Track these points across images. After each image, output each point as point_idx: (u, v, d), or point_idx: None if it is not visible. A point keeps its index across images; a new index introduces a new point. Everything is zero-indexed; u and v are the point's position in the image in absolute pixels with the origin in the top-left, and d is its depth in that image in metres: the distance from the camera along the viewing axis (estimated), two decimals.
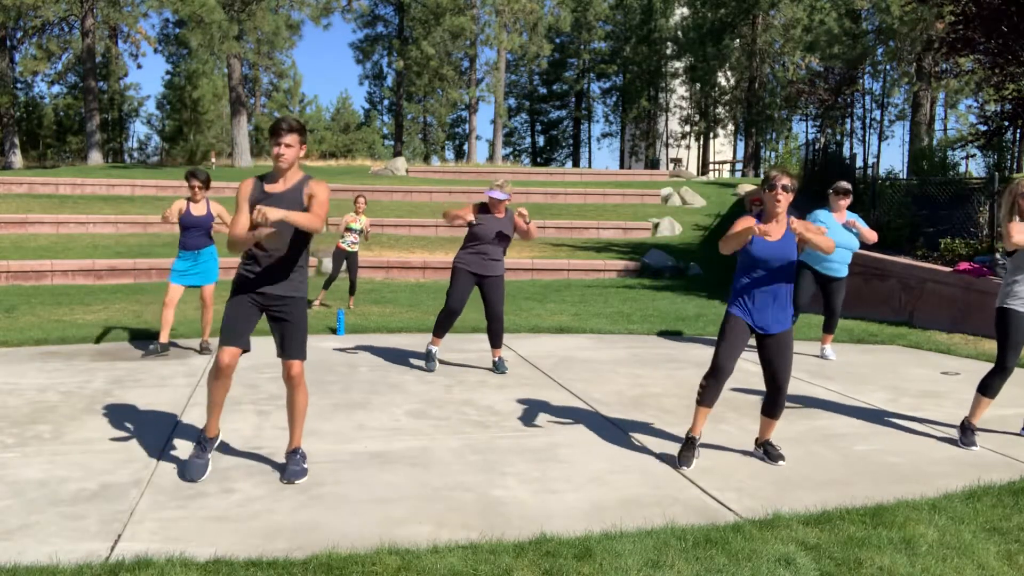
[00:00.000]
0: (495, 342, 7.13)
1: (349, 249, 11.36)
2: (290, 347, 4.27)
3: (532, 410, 5.81)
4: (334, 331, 9.16)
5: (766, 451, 4.70)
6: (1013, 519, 3.79)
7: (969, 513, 3.85)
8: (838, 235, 7.65)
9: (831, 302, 7.91)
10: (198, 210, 7.63)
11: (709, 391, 4.58)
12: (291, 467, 4.30)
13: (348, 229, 11.34)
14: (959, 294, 9.54)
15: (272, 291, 4.24)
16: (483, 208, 6.94)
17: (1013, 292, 5.06)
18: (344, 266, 11.54)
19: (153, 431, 5.11)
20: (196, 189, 7.57)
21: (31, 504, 3.87)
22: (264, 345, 8.22)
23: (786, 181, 4.42)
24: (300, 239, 4.29)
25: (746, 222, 4.50)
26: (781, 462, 4.63)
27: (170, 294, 7.54)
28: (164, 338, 7.61)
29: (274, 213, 3.87)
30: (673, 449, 4.89)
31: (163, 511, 3.81)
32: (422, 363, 7.45)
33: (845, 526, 3.68)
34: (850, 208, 12.81)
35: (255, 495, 4.04)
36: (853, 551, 3.41)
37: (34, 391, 6.13)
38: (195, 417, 5.47)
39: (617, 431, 5.30)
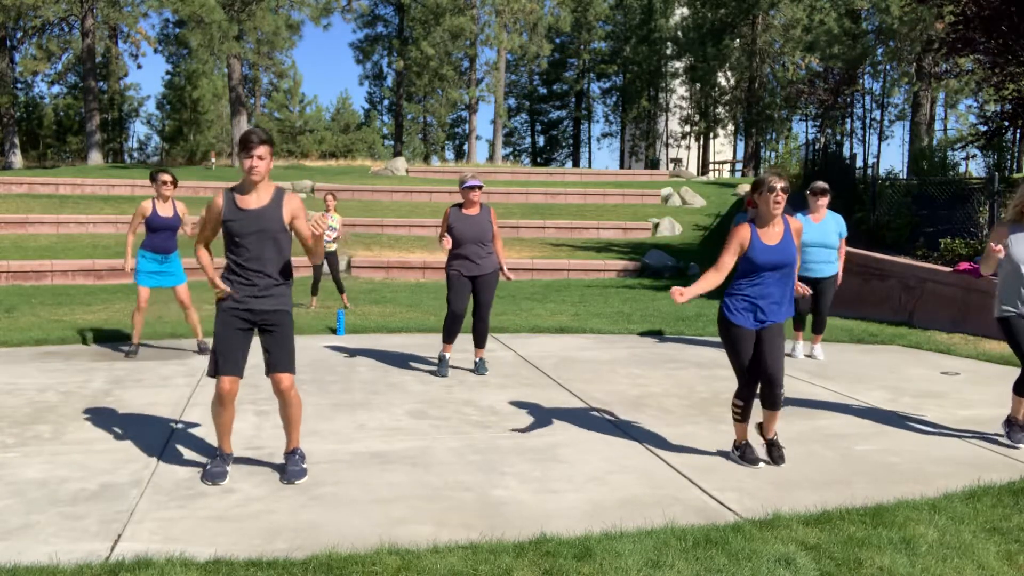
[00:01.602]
0: (478, 342, 7.11)
1: (327, 249, 11.21)
2: (279, 361, 4.24)
3: (532, 410, 5.81)
4: (334, 331, 9.16)
5: (769, 451, 4.70)
6: (1013, 519, 3.79)
7: (969, 513, 3.85)
8: (817, 236, 7.69)
9: (818, 303, 7.89)
10: (165, 211, 7.49)
11: (748, 408, 4.59)
12: (290, 467, 4.30)
13: None
14: (959, 294, 9.54)
15: (260, 306, 4.20)
16: (458, 209, 6.86)
17: (1006, 300, 5.07)
18: (324, 268, 11.40)
19: (153, 431, 5.11)
20: (168, 185, 7.42)
21: (31, 504, 3.87)
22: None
23: (784, 183, 4.42)
24: (284, 254, 4.26)
25: (742, 231, 4.49)
26: (782, 463, 4.62)
27: (143, 297, 7.51)
28: (136, 339, 7.63)
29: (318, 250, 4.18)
30: (673, 449, 4.89)
31: (163, 511, 3.81)
32: (422, 363, 7.45)
33: (845, 526, 3.68)
34: (849, 209, 12.82)
35: (255, 495, 4.04)
36: (853, 551, 3.41)
37: (34, 391, 6.13)
38: (195, 417, 5.47)
39: (617, 431, 5.30)
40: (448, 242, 6.75)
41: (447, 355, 7.05)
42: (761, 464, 4.61)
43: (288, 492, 4.09)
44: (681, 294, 4.28)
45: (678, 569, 3.24)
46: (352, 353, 7.90)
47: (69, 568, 3.16)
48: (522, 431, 5.25)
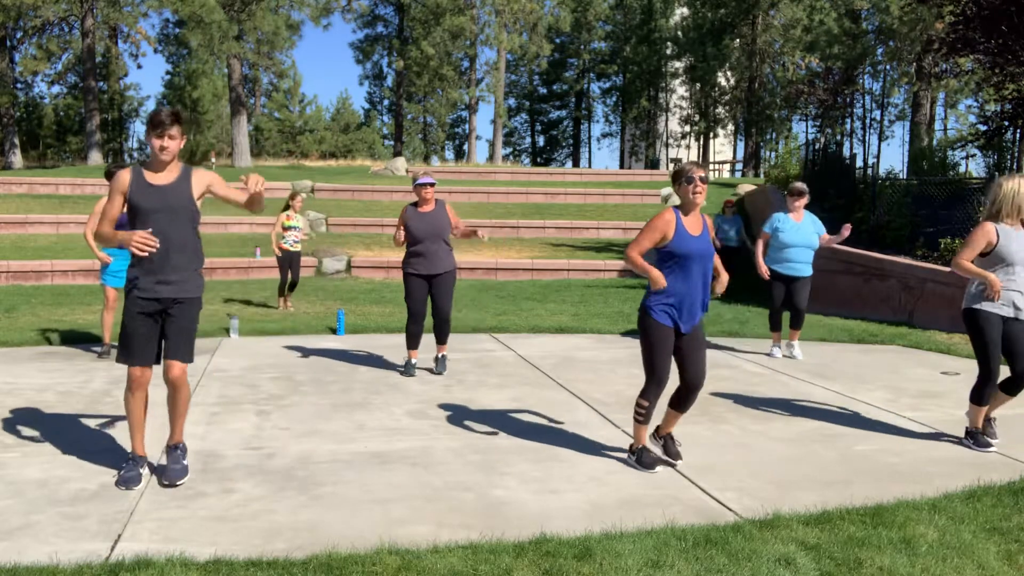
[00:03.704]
0: (440, 339, 7.05)
1: (292, 249, 10.92)
2: (174, 349, 4.10)
3: (532, 410, 5.81)
4: (334, 331, 9.16)
5: (666, 445, 4.61)
6: (1013, 519, 3.79)
7: (969, 513, 3.85)
8: (799, 237, 7.75)
9: (795, 300, 7.96)
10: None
11: (652, 408, 4.49)
12: (172, 465, 4.18)
13: (287, 228, 10.91)
14: (959, 294, 9.54)
15: (166, 293, 4.06)
16: (414, 208, 6.83)
17: (980, 293, 5.02)
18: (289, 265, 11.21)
19: (153, 431, 5.11)
20: None
21: (31, 504, 3.87)
22: (264, 345, 8.23)
23: (703, 173, 4.37)
24: (192, 238, 4.12)
25: (667, 214, 4.40)
26: (679, 461, 4.55)
27: (112, 298, 7.47)
28: (107, 339, 7.59)
29: (260, 182, 4.03)
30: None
31: (163, 511, 3.81)
32: (422, 363, 7.44)
33: (845, 526, 3.68)
34: (849, 209, 12.83)
35: (255, 495, 4.04)
36: (853, 551, 3.41)
37: (34, 391, 6.13)
38: (195, 417, 5.47)
39: (617, 431, 5.30)
40: (402, 236, 6.74)
41: (414, 360, 7.00)
42: (658, 468, 4.49)
43: (288, 492, 4.09)
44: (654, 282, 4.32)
45: (678, 569, 3.24)
46: (352, 353, 7.90)
47: (69, 568, 3.16)
48: (522, 431, 5.25)
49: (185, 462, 4.26)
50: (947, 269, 9.85)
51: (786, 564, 3.29)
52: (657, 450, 4.69)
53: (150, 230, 4.00)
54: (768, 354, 8.10)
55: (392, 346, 8.34)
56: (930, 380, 7.06)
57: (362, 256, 15.68)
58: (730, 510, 3.94)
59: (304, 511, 3.84)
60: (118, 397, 5.98)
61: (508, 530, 3.63)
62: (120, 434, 5.04)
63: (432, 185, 6.77)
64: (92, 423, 5.28)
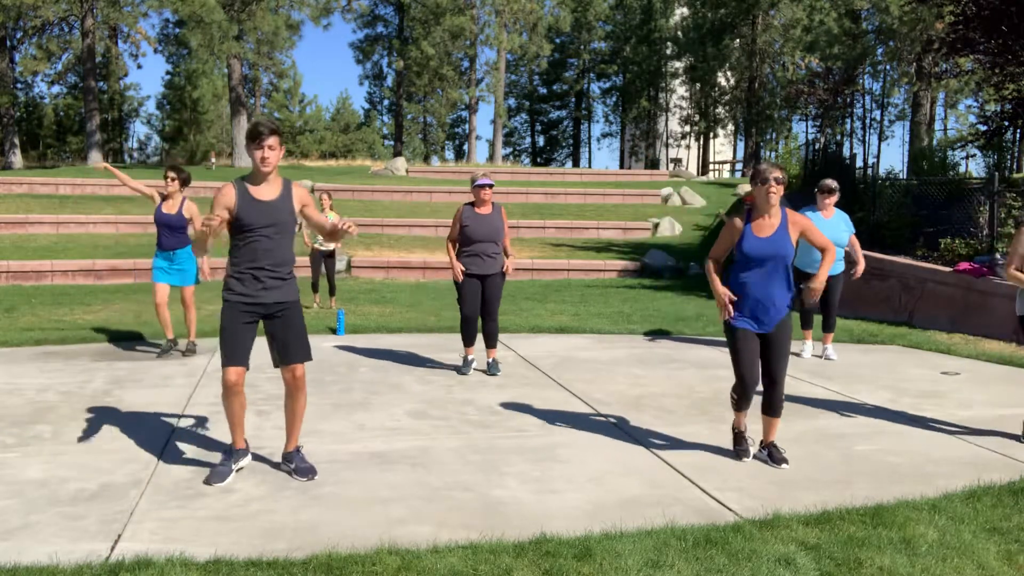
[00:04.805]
0: (490, 343, 7.08)
1: (324, 248, 11.00)
2: (295, 351, 4.26)
3: (532, 410, 5.81)
4: (334, 331, 9.16)
5: (770, 454, 4.69)
6: (1013, 519, 3.79)
7: (969, 513, 3.85)
8: (829, 233, 7.69)
9: (827, 300, 7.89)
10: (169, 207, 7.45)
11: (743, 399, 4.67)
12: (303, 464, 4.34)
13: None
14: (959, 294, 9.54)
15: (269, 298, 4.19)
16: (471, 207, 6.85)
17: None
18: (322, 267, 11.24)
19: (153, 431, 5.12)
20: (170, 181, 7.36)
21: (31, 504, 3.87)
22: (264, 345, 8.22)
23: (778, 174, 4.40)
24: (292, 245, 4.28)
25: (735, 224, 4.52)
26: (784, 465, 4.61)
27: (159, 294, 7.51)
28: (170, 334, 7.64)
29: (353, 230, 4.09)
30: (673, 449, 4.89)
31: (163, 511, 3.81)
32: (422, 363, 7.45)
33: (845, 526, 3.68)
34: (849, 209, 12.80)
35: (255, 495, 4.04)
36: (853, 551, 3.41)
37: (34, 391, 6.13)
38: (196, 417, 5.47)
39: (617, 431, 5.30)
40: (455, 227, 6.81)
41: (470, 356, 7.10)
42: (745, 460, 4.67)
43: (288, 492, 4.09)
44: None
45: (678, 569, 3.24)
46: (352, 353, 7.90)
47: (69, 568, 3.16)
48: (522, 431, 5.25)
49: (309, 460, 4.45)
50: (947, 269, 9.84)
51: (786, 564, 3.29)
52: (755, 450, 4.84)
53: (255, 242, 4.11)
54: (797, 354, 8.00)
55: (392, 346, 8.34)
56: (930, 380, 7.06)
57: (362, 256, 15.68)
58: (730, 510, 3.94)
59: (304, 511, 3.84)
60: (119, 396, 5.98)
61: (508, 530, 3.63)
62: (122, 435, 5.04)
63: (491, 187, 6.80)
64: (92, 423, 5.28)
